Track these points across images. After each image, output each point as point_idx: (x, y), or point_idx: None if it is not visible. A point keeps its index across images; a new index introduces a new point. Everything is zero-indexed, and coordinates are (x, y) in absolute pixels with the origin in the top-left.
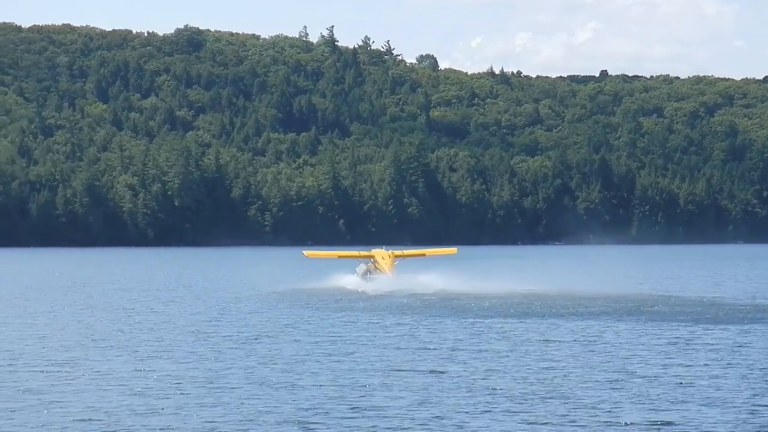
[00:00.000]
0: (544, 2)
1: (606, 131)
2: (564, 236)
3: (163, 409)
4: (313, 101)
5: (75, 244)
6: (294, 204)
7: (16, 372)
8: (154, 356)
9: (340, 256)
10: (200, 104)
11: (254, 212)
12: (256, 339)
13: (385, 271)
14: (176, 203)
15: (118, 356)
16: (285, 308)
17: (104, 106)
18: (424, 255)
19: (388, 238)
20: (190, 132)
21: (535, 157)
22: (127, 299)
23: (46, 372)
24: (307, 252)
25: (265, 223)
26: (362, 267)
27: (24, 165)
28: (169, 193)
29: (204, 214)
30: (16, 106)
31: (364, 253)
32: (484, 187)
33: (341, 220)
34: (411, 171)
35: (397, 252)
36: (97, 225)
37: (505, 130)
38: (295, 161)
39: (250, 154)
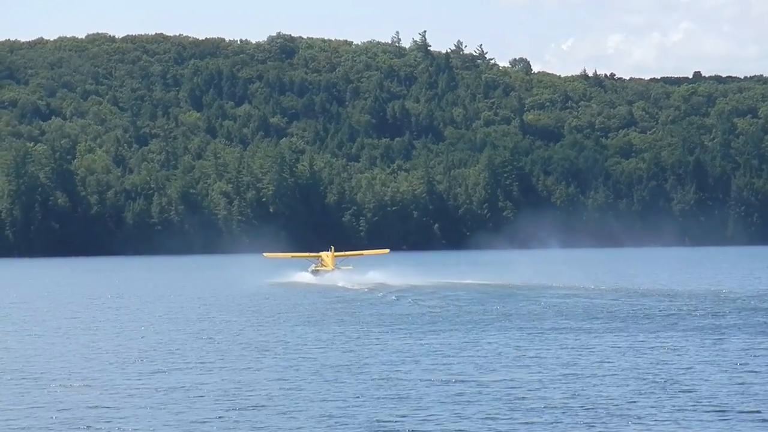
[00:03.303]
0: (635, 3)
1: (700, 132)
2: (660, 238)
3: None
4: (407, 106)
5: (170, 252)
6: (389, 209)
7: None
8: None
9: (294, 257)
10: (294, 111)
11: (349, 218)
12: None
13: (328, 267)
14: (271, 210)
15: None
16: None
17: (198, 114)
18: (362, 255)
19: (484, 242)
20: (284, 139)
21: (630, 159)
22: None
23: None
24: (267, 254)
25: (360, 228)
26: (312, 266)
27: (119, 174)
28: (264, 199)
29: (299, 221)
30: (111, 116)
31: (313, 254)
32: (578, 189)
33: (436, 225)
34: (505, 175)
35: (338, 253)
36: (192, 232)
37: (599, 133)
38: (389, 166)
39: (344, 159)
